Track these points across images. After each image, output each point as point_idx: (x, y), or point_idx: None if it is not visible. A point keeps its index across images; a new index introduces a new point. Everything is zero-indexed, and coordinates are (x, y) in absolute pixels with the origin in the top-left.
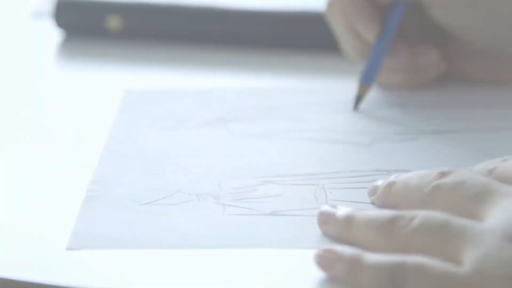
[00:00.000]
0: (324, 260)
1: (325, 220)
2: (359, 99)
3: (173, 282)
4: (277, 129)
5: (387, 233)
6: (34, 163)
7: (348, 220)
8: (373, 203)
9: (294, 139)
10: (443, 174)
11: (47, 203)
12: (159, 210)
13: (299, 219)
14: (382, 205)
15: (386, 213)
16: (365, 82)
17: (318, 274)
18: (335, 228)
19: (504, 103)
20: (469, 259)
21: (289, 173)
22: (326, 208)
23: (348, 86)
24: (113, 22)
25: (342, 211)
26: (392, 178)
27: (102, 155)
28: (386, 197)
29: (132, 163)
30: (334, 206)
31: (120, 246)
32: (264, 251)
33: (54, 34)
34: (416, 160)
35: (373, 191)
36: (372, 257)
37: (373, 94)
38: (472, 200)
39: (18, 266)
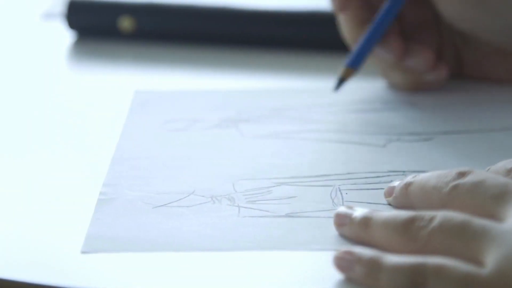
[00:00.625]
0: (343, 262)
1: (342, 221)
2: (341, 81)
3: (189, 285)
4: (288, 130)
5: (405, 234)
6: (47, 165)
7: (365, 221)
8: (389, 204)
9: (306, 140)
10: (461, 174)
11: (60, 206)
12: (174, 213)
13: (315, 221)
14: (399, 206)
15: (404, 213)
16: (351, 66)
17: (335, 276)
18: (352, 229)
19: None
20: (491, 260)
21: (303, 175)
22: (342, 209)
23: (358, 86)
24: (125, 23)
25: (359, 212)
26: (408, 178)
27: (113, 157)
28: (403, 198)
29: (144, 165)
30: (351, 207)
31: (135, 249)
32: (281, 254)
33: (66, 36)
34: (431, 160)
35: (389, 192)
36: (392, 259)
37: (385, 94)
38: (492, 200)
39: (33, 269)
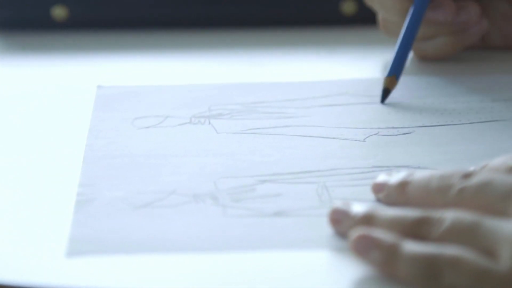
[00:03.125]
0: (361, 245)
1: (339, 218)
2: (386, 92)
3: (177, 287)
4: (264, 126)
5: (413, 234)
6: (16, 168)
7: (367, 219)
8: (379, 201)
9: (283, 136)
10: (466, 176)
11: (36, 208)
12: (157, 213)
13: (305, 220)
14: (392, 204)
15: (411, 214)
16: (393, 75)
17: (329, 276)
18: (350, 227)
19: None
20: (507, 255)
21: (285, 171)
22: (339, 206)
23: (329, 81)
24: (58, 12)
25: (358, 209)
26: (403, 177)
27: (85, 156)
28: (398, 196)
29: (119, 164)
30: (347, 204)
31: (122, 251)
32: (271, 254)
33: None
34: (414, 154)
35: (378, 188)
36: (410, 247)
37: (357, 87)
38: (501, 200)
39: (16, 273)
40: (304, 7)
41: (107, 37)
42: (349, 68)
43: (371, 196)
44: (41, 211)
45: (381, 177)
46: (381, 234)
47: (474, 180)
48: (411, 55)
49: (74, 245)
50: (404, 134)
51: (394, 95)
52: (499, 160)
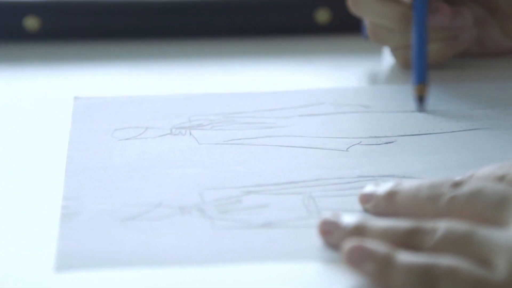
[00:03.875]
0: (354, 257)
1: (329, 230)
2: (421, 99)
3: None
4: (246, 136)
5: (406, 245)
6: None
7: (358, 231)
8: (366, 211)
9: (266, 146)
10: (456, 185)
11: (20, 222)
12: (144, 226)
13: (293, 231)
14: (380, 214)
15: (403, 224)
16: (422, 82)
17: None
18: (341, 238)
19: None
20: (502, 265)
21: (270, 182)
22: (329, 217)
23: (305, 90)
24: (30, 22)
25: (349, 220)
26: (390, 187)
27: (67, 168)
28: (386, 206)
29: (102, 176)
30: (337, 215)
31: (111, 265)
32: (261, 266)
33: None
34: (398, 164)
35: (366, 199)
36: (405, 257)
37: (341, 96)
38: (493, 208)
39: None
40: (278, 16)
41: (80, 48)
42: (324, 77)
43: (358, 206)
44: (25, 225)
45: (368, 188)
46: (375, 245)
47: (465, 189)
48: (394, 62)
49: (63, 259)
50: (386, 143)
51: (373, 104)
52: (486, 170)
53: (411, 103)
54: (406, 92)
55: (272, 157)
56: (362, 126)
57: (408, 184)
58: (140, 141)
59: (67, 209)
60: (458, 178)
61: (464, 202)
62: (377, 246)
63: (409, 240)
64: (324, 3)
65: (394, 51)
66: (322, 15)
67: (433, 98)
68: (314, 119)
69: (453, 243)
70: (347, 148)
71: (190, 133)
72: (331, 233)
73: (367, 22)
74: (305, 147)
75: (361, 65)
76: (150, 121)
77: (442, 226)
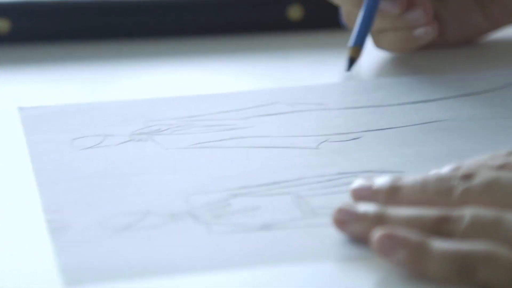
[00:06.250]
0: (386, 245)
1: (346, 219)
2: (352, 61)
3: None
4: (211, 139)
5: (434, 233)
6: None
7: (380, 219)
8: None
9: (235, 148)
10: (467, 177)
11: (6, 243)
12: (141, 236)
13: (293, 232)
14: None
15: (429, 212)
16: (358, 45)
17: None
18: (360, 226)
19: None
20: None
21: (253, 184)
22: (345, 205)
23: (261, 92)
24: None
25: (368, 208)
26: (389, 182)
27: (38, 182)
28: (387, 202)
29: (78, 187)
30: (352, 204)
31: (121, 277)
32: (268, 269)
33: None
34: (373, 158)
35: (359, 194)
36: (440, 245)
37: (294, 95)
38: (511, 196)
39: None
40: (250, 13)
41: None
42: (297, 73)
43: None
44: (12, 244)
45: (358, 183)
46: (406, 232)
47: (478, 180)
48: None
49: (71, 274)
50: (353, 139)
51: (326, 101)
52: (475, 160)
53: (364, 99)
54: (358, 88)
55: (246, 159)
56: (324, 124)
57: (410, 179)
58: (103, 149)
59: (54, 223)
60: (464, 169)
61: (480, 193)
62: (409, 233)
63: (436, 228)
64: None
65: (373, 35)
66: (295, 12)
67: (394, 90)
68: (274, 119)
69: (482, 229)
70: (317, 146)
71: (152, 139)
72: (348, 223)
73: (343, 9)
74: (276, 147)
75: (334, 61)
76: (107, 129)
77: (468, 212)
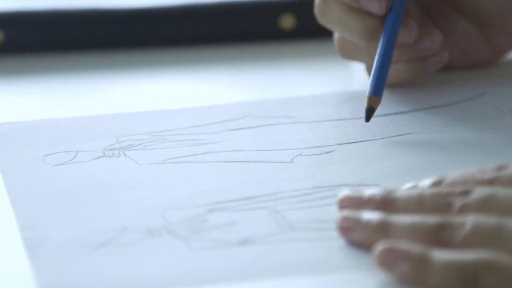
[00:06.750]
0: (388, 259)
1: (349, 226)
2: (370, 111)
3: None
4: (184, 154)
5: (434, 241)
6: None
7: (382, 227)
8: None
9: (208, 163)
10: (464, 193)
11: None
12: (119, 252)
13: (272, 247)
14: None
15: (430, 219)
16: (376, 94)
17: None
18: (365, 234)
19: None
20: None
21: (229, 199)
22: (349, 212)
23: (230, 106)
24: None
25: (371, 215)
26: (381, 194)
27: (11, 199)
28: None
29: (53, 203)
30: (356, 212)
31: None
32: (251, 284)
33: None
34: (348, 172)
35: (345, 205)
36: (442, 255)
37: (263, 109)
38: (510, 208)
39: None
40: (242, 22)
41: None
42: (289, 82)
43: (329, 217)
44: None
45: (344, 194)
46: (407, 245)
47: (475, 196)
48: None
49: None
50: (327, 152)
51: (296, 114)
52: (460, 174)
53: (332, 112)
54: (327, 101)
55: (220, 174)
56: (296, 137)
57: (404, 193)
58: (75, 165)
59: (30, 240)
60: (458, 186)
61: (477, 208)
62: (410, 246)
63: (437, 235)
64: (288, 8)
65: (367, 68)
66: (287, 21)
67: (358, 104)
68: (246, 133)
69: (483, 236)
70: (291, 160)
71: (125, 155)
72: (352, 230)
73: (335, 35)
74: (250, 161)
75: (326, 71)
76: (78, 144)
77: (470, 220)
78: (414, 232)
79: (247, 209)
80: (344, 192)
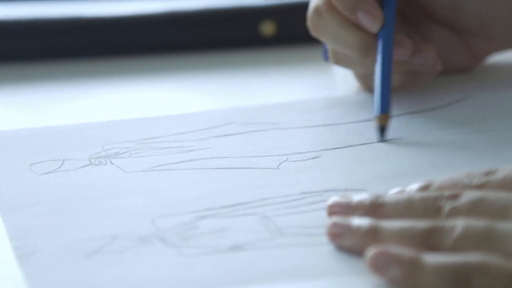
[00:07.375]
0: (379, 263)
1: (339, 232)
2: (383, 129)
3: None
4: (171, 161)
5: (425, 245)
6: None
7: (372, 232)
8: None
9: (196, 169)
10: (453, 197)
11: None
12: (110, 260)
13: (263, 252)
14: None
15: (420, 224)
16: (384, 112)
17: None
18: (354, 240)
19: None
20: None
21: (218, 205)
22: (338, 218)
23: (214, 113)
24: None
25: (361, 221)
26: (370, 198)
27: (1, 208)
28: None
29: (42, 212)
30: (345, 218)
31: None
32: None
33: None
34: (335, 177)
35: (334, 212)
36: (433, 258)
37: (247, 115)
38: (498, 214)
39: None
40: (223, 29)
41: None
42: (271, 88)
43: (318, 223)
44: None
45: (334, 199)
46: (399, 249)
47: (464, 199)
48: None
49: None
50: (313, 158)
51: (280, 120)
52: (448, 179)
53: (317, 118)
54: (311, 106)
55: (208, 180)
56: (281, 143)
57: (392, 197)
58: (62, 173)
59: (20, 249)
60: (448, 190)
61: (467, 212)
62: (402, 250)
63: (427, 239)
64: (269, 15)
65: (357, 77)
66: (267, 27)
67: (342, 109)
68: (231, 139)
69: (474, 240)
70: (278, 166)
71: (112, 163)
72: (342, 236)
73: (328, 46)
74: (237, 168)
75: (308, 76)
76: (65, 153)
77: (459, 223)
78: (404, 237)
79: (236, 215)
80: (332, 198)
